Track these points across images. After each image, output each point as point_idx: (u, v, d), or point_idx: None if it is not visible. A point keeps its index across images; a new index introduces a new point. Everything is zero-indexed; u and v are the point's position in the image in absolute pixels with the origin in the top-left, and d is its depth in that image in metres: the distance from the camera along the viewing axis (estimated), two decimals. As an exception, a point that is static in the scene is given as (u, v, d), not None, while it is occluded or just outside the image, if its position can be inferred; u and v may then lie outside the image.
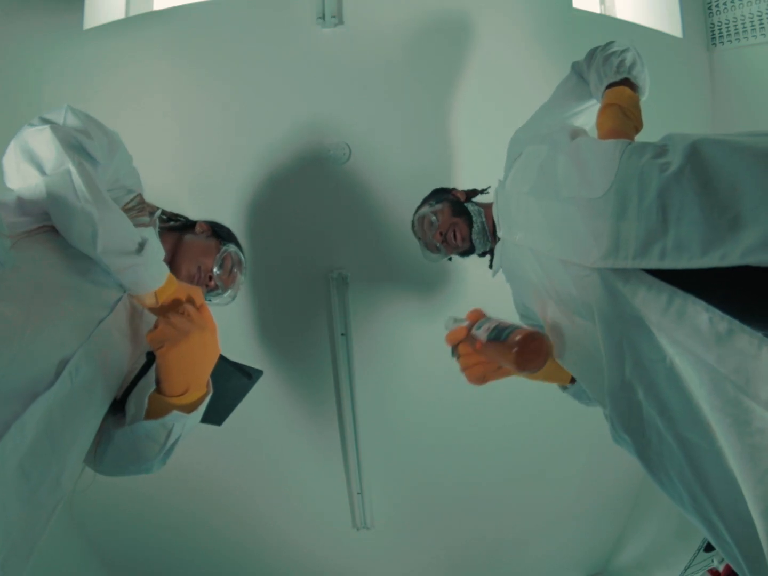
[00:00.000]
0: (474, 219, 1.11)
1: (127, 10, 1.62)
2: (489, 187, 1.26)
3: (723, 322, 0.55)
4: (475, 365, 0.81)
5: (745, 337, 0.53)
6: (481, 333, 0.79)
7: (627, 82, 0.95)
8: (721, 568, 1.65)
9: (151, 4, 1.69)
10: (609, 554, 2.15)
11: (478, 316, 0.83)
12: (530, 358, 0.73)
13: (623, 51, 0.97)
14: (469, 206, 1.15)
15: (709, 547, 1.66)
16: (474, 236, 1.10)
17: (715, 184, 0.59)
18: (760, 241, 0.53)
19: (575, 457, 1.88)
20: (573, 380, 0.89)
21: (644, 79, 0.99)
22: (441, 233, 1.14)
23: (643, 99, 0.99)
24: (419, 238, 1.25)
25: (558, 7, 1.60)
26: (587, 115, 1.07)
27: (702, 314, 0.56)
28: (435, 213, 1.16)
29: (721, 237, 0.56)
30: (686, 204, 0.61)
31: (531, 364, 0.74)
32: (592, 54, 1.02)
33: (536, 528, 2.00)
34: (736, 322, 0.54)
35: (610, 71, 0.96)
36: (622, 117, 0.90)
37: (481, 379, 0.83)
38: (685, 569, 1.72)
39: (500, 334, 0.75)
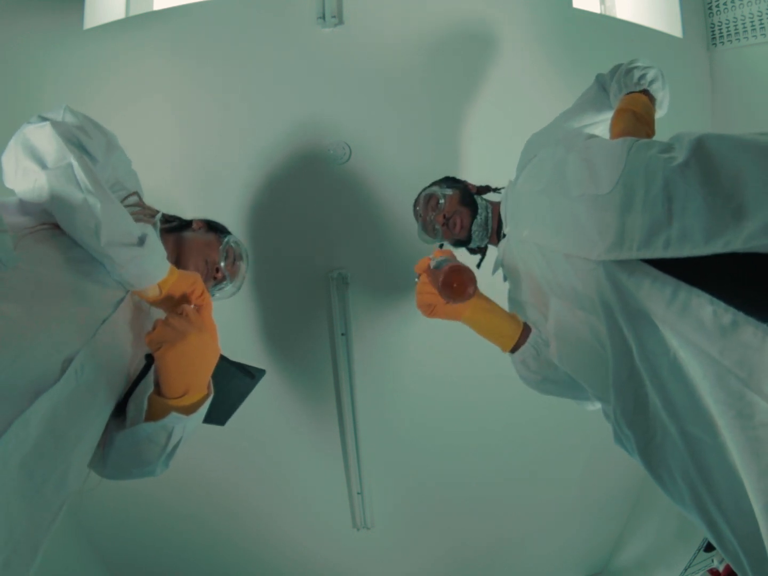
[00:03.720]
0: (479, 212, 1.10)
1: (127, 10, 1.62)
2: (503, 188, 1.25)
3: (727, 314, 0.55)
4: (427, 293, 0.88)
5: (750, 329, 0.53)
6: (432, 263, 0.90)
7: (645, 94, 0.98)
8: (721, 568, 1.65)
9: (151, 4, 1.69)
10: (609, 554, 2.15)
11: (446, 254, 0.91)
12: (455, 288, 0.82)
13: (647, 67, 1.00)
14: (478, 200, 1.14)
15: (709, 547, 1.66)
16: (474, 227, 1.09)
17: (719, 175, 0.60)
18: (763, 227, 0.53)
19: (575, 457, 1.88)
20: (515, 348, 0.90)
21: (663, 96, 1.01)
22: (445, 216, 1.12)
23: (660, 115, 1.01)
24: (419, 216, 1.22)
25: (558, 7, 1.60)
26: (604, 127, 1.08)
27: (706, 307, 0.56)
28: (444, 196, 1.15)
29: (724, 225, 0.57)
30: (690, 195, 0.61)
31: (454, 292, 0.82)
32: (617, 67, 1.05)
33: (536, 528, 2.00)
34: (740, 314, 0.54)
35: (630, 82, 0.99)
36: (635, 121, 0.91)
37: (427, 306, 0.89)
38: (685, 569, 1.72)
39: (440, 264, 0.86)
